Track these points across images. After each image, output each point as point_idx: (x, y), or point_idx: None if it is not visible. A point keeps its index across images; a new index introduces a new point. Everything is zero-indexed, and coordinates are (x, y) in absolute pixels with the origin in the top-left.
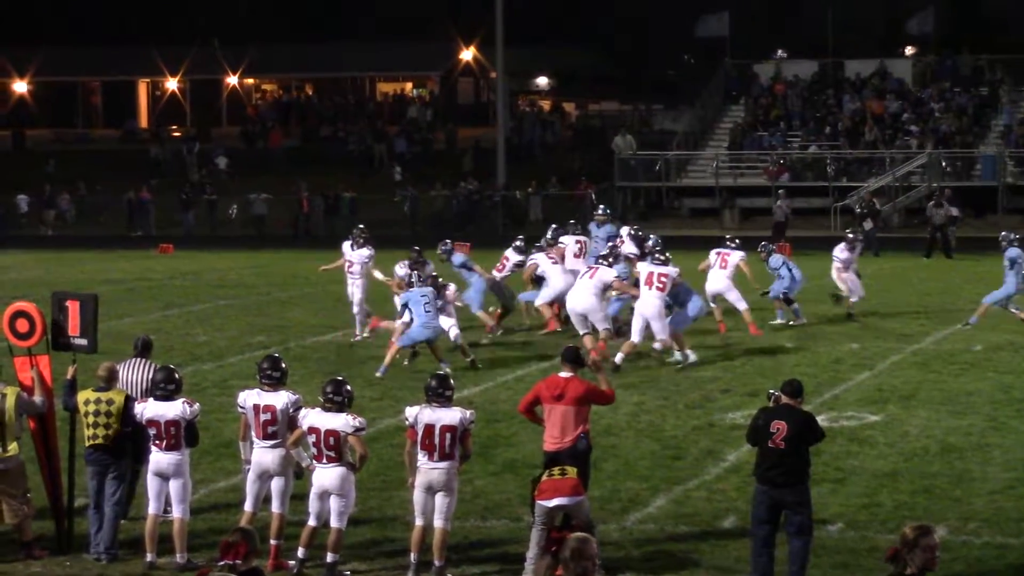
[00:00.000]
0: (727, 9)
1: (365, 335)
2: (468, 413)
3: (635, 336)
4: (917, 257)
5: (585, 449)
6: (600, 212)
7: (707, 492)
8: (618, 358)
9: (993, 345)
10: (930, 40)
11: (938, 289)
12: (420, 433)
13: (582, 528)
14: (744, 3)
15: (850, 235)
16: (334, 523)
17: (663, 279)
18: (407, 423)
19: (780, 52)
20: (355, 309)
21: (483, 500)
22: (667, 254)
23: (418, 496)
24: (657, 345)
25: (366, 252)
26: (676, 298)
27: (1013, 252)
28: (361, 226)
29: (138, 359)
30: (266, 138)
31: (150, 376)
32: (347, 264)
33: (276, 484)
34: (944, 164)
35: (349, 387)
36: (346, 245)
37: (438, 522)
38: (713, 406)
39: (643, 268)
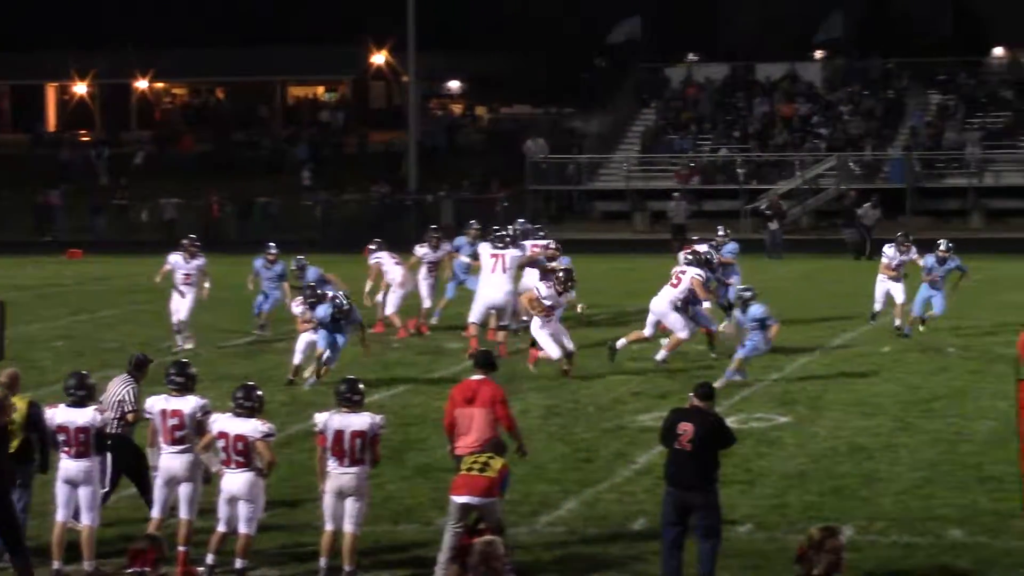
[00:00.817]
0: (639, 13)
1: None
2: (378, 418)
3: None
4: (826, 259)
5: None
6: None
7: (617, 494)
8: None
9: (902, 347)
10: (840, 44)
11: (847, 291)
12: (330, 439)
13: (491, 531)
14: (655, 6)
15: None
16: (243, 529)
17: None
18: (317, 429)
19: (691, 56)
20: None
21: (394, 504)
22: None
23: (328, 501)
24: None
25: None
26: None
27: (954, 263)
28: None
29: (125, 376)
30: (177, 142)
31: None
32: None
33: (184, 490)
34: (853, 166)
35: (260, 392)
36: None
37: (348, 527)
38: (624, 409)
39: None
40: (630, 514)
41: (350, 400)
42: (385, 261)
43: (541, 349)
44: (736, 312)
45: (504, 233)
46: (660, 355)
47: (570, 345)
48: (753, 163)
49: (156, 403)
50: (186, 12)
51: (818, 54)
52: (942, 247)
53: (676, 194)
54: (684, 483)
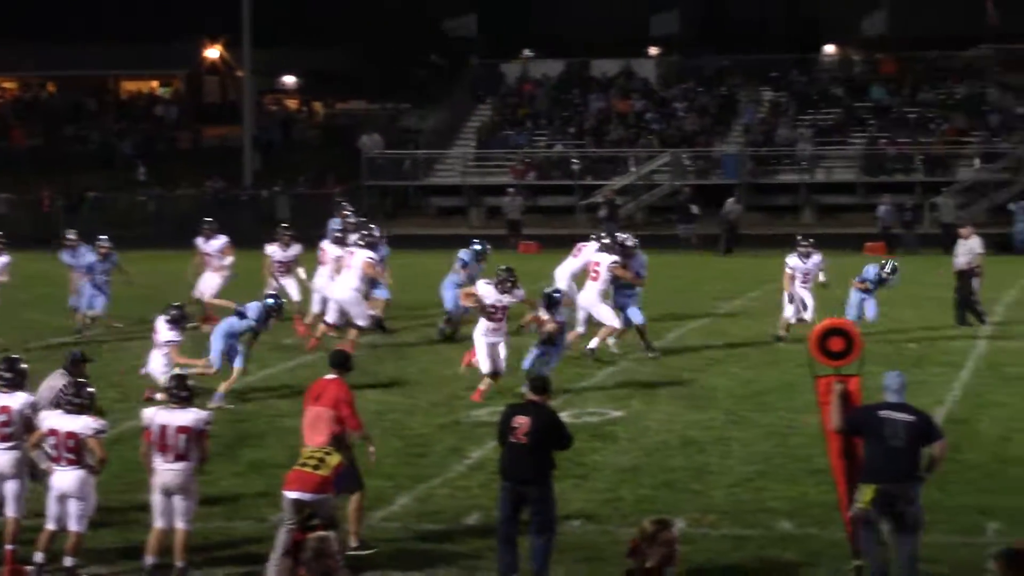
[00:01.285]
0: (474, 10)
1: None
2: (204, 414)
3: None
4: (660, 254)
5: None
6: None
7: (451, 489)
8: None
9: (735, 340)
10: (674, 41)
11: (681, 286)
12: (155, 434)
13: (325, 527)
14: (491, 2)
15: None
16: (73, 527)
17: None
18: (143, 424)
19: (527, 52)
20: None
21: (228, 500)
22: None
23: (156, 498)
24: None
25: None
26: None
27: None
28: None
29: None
30: (7, 137)
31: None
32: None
33: (10, 487)
34: (687, 162)
35: (91, 389)
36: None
37: (179, 524)
38: (458, 404)
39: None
40: (463, 509)
41: (177, 396)
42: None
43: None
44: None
45: (366, 232)
46: (592, 344)
47: (502, 364)
48: (588, 159)
49: None
50: (18, 6)
51: (653, 51)
52: (888, 268)
53: (511, 189)
54: (519, 477)
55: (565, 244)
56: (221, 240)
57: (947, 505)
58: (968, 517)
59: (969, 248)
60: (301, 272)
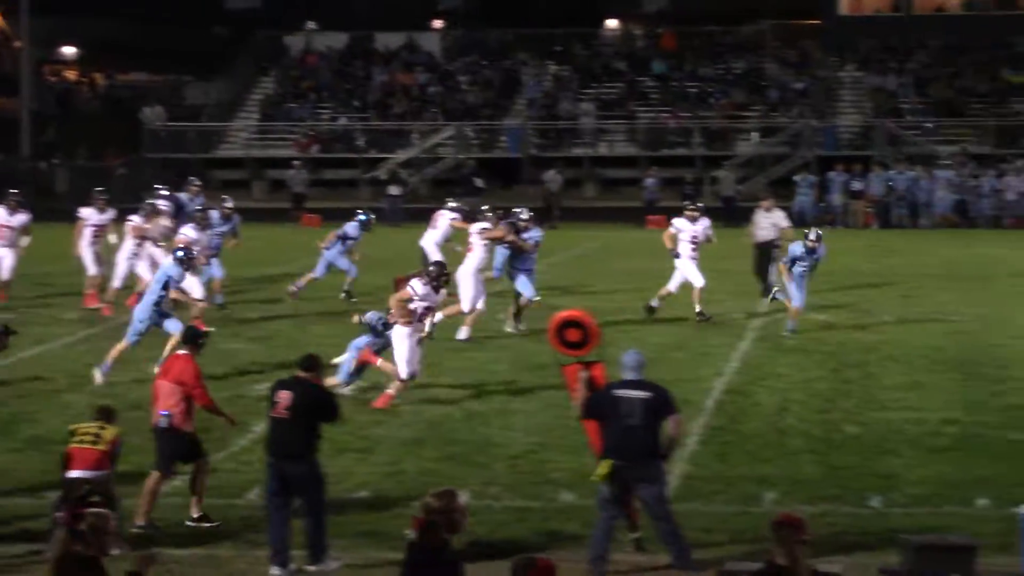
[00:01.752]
0: None
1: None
2: None
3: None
4: None
5: (165, 427)
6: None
7: (235, 464)
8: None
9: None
10: (458, 14)
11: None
12: None
13: (103, 503)
14: None
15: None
16: None
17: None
18: None
19: (310, 24)
20: None
21: (5, 477)
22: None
23: None
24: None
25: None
26: None
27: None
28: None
29: None
30: None
31: None
32: None
33: None
34: (471, 136)
35: None
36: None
37: None
38: (242, 379)
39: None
40: (247, 483)
41: None
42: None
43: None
44: None
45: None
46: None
47: (418, 367)
48: (372, 132)
49: None
50: None
51: (437, 24)
52: (812, 236)
53: (296, 163)
54: (281, 452)
55: (346, 217)
56: (24, 215)
57: (726, 475)
58: (746, 487)
59: (773, 221)
60: (113, 238)
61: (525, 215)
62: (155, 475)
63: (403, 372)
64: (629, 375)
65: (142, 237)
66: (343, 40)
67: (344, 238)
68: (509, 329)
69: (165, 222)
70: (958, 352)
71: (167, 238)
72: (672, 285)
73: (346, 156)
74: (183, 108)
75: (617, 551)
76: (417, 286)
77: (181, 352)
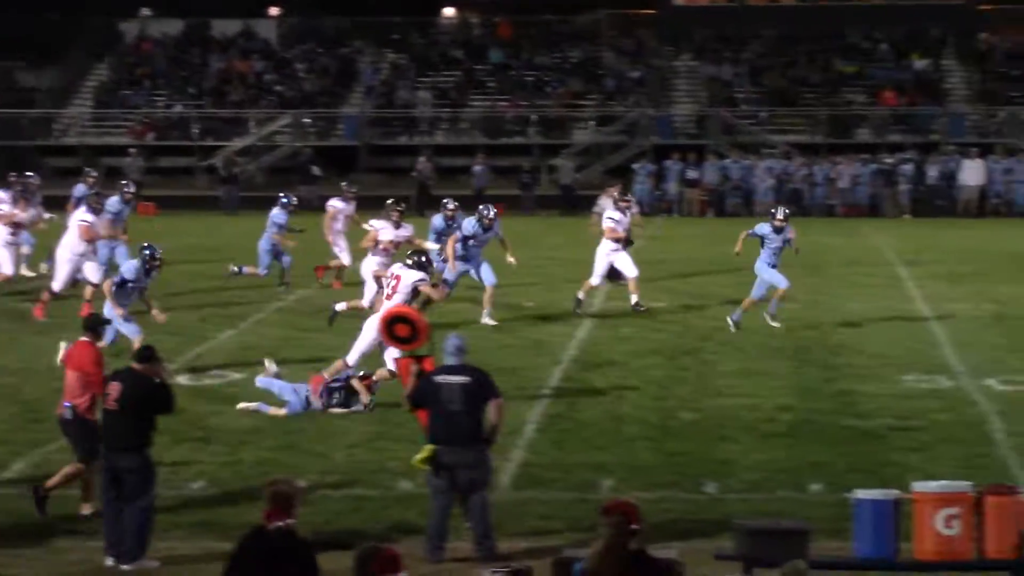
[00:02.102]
0: None
1: None
2: None
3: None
4: None
5: (70, 418)
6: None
7: (67, 454)
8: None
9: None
10: (295, 1)
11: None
12: None
13: None
14: None
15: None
16: None
17: None
18: None
19: (145, 10)
20: None
21: None
22: None
23: None
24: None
25: None
26: None
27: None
28: None
29: None
30: None
31: None
32: None
33: None
34: (308, 124)
35: None
36: None
37: None
38: None
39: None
40: None
41: None
42: None
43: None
44: None
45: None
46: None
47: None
48: (208, 120)
49: None
50: None
51: (273, 11)
52: (779, 215)
53: (132, 150)
54: (112, 444)
55: (183, 205)
56: None
57: (564, 463)
58: (583, 474)
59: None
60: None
61: (451, 205)
62: (79, 466)
63: (351, 359)
64: (450, 360)
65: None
66: (179, 27)
67: (275, 226)
68: (488, 322)
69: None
70: (791, 339)
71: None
72: (595, 279)
73: (182, 144)
74: (15, 94)
75: (456, 539)
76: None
77: (83, 339)
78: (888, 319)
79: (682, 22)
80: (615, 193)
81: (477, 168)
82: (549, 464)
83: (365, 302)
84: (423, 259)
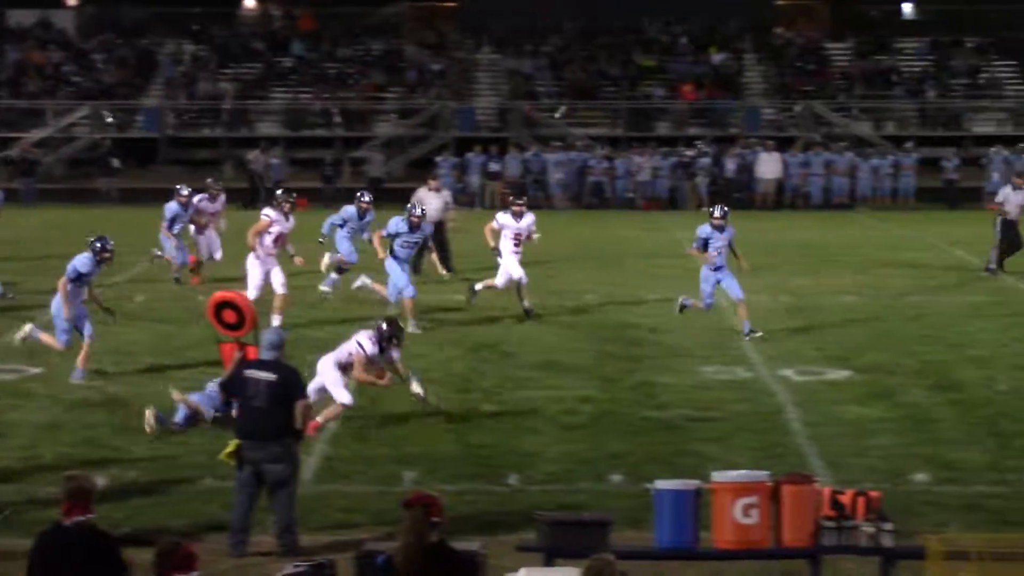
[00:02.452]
0: None
1: None
2: None
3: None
4: (80, 208)
5: None
6: None
7: None
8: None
9: (155, 295)
10: None
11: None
12: None
13: None
14: None
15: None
16: None
17: None
18: None
19: None
20: None
21: None
22: None
23: None
24: None
25: None
26: None
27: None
28: None
29: None
30: None
31: None
32: None
33: None
34: (107, 115)
35: None
36: None
37: None
38: None
39: None
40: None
41: None
42: None
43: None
44: None
45: None
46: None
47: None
48: (5, 111)
49: None
50: None
51: (71, 1)
52: (717, 213)
53: None
54: None
55: None
56: None
57: (366, 455)
58: (386, 467)
59: (443, 200)
60: None
61: (367, 198)
62: None
63: (346, 399)
64: (264, 355)
65: None
66: None
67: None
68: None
69: None
70: (592, 330)
71: None
72: (499, 281)
73: None
74: None
75: (260, 532)
76: (366, 344)
77: None
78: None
79: (483, 15)
80: (434, 185)
81: (274, 161)
82: (351, 457)
83: (253, 292)
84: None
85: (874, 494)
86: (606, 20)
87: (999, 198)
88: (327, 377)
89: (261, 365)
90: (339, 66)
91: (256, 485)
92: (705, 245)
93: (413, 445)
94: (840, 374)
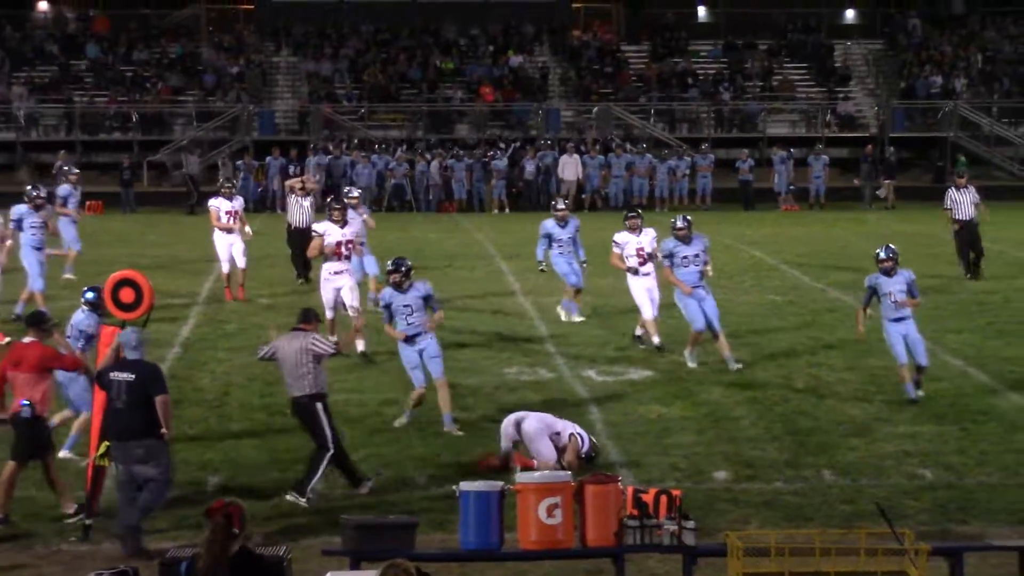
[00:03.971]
0: None
1: None
2: None
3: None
4: None
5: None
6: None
7: None
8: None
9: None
10: None
11: None
12: None
13: None
14: None
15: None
16: None
17: None
18: None
19: None
20: None
21: None
22: None
23: None
24: None
25: None
26: None
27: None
28: None
29: None
30: None
31: None
32: None
33: None
34: None
35: None
36: None
37: None
38: None
39: None
40: None
41: None
42: None
43: None
44: None
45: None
46: None
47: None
48: None
49: None
50: None
51: None
52: (679, 223)
53: None
54: None
55: None
56: None
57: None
58: (190, 472)
59: (307, 206)
60: None
61: (355, 192)
62: (12, 465)
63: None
64: (127, 355)
65: None
66: None
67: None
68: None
69: None
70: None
71: None
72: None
73: None
74: None
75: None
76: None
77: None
78: (491, 312)
79: (281, 17)
80: (309, 185)
81: (59, 163)
82: None
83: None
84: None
85: (676, 492)
86: (404, 24)
87: (947, 203)
88: (542, 446)
89: (122, 366)
90: (135, 69)
91: (133, 483)
92: (549, 242)
93: (216, 451)
94: (641, 374)
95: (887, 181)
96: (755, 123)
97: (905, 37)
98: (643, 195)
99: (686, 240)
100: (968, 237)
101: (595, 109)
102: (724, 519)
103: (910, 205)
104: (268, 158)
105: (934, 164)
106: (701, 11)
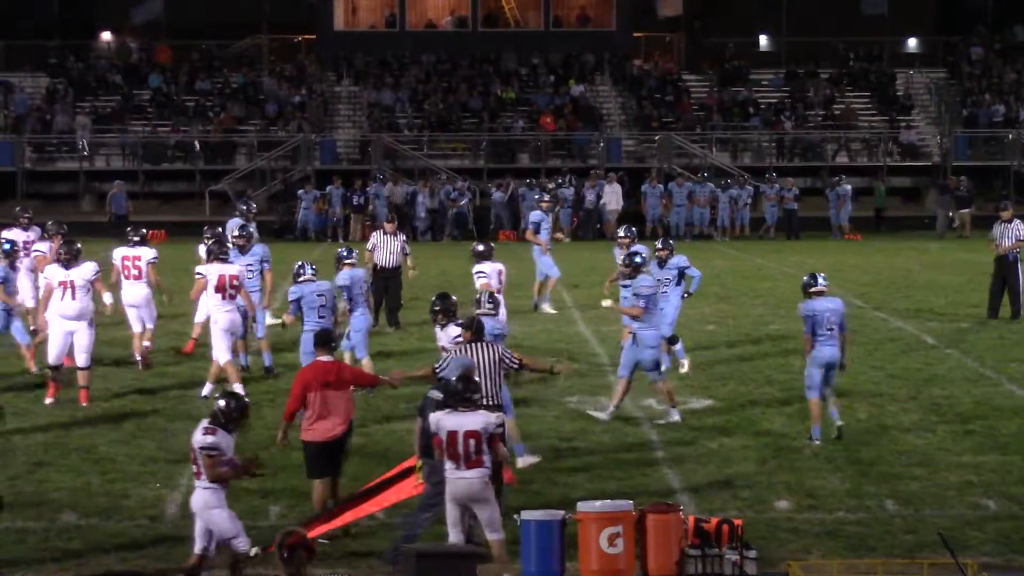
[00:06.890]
0: None
1: None
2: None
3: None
4: None
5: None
6: None
7: None
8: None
9: None
10: None
11: None
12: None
13: None
14: None
15: None
16: None
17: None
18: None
19: None
20: None
21: None
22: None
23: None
24: None
25: None
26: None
27: (681, 260)
28: None
29: None
30: None
31: None
32: None
33: None
34: None
35: None
36: None
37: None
38: None
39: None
40: None
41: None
42: None
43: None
44: None
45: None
46: None
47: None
48: None
49: None
50: None
51: None
52: (660, 244)
53: None
54: None
55: None
56: None
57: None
58: (252, 499)
59: (397, 249)
60: None
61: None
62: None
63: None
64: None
65: None
66: None
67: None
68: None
69: None
70: None
71: None
72: None
73: None
74: None
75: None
76: None
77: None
78: (552, 342)
79: (342, 47)
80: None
81: (116, 193)
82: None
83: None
84: None
85: (737, 522)
86: (464, 53)
87: (992, 235)
88: None
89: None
90: (197, 98)
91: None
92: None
93: (277, 480)
94: (702, 403)
95: (963, 211)
96: (817, 151)
97: (968, 65)
98: (704, 224)
99: (660, 263)
100: (1002, 273)
101: (656, 138)
102: (786, 549)
103: (973, 234)
104: (329, 187)
105: (998, 193)
106: (763, 40)
